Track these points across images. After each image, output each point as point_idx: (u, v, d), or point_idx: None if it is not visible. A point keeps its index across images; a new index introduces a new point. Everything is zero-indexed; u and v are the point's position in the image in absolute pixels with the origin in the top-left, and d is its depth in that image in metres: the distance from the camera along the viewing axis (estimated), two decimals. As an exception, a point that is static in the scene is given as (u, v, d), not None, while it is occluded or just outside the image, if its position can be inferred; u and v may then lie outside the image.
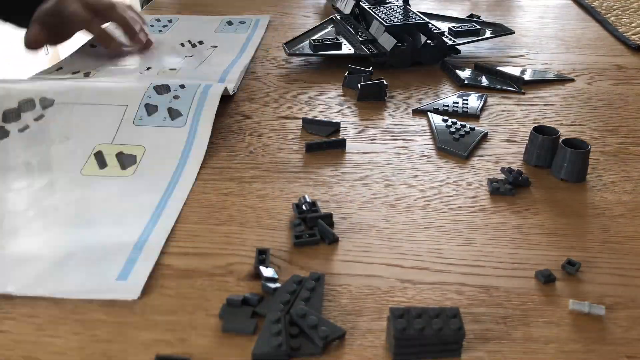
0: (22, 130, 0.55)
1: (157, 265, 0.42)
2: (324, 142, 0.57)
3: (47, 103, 0.58)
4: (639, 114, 0.65)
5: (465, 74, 0.73)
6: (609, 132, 0.61)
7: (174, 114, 0.57)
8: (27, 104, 0.57)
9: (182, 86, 0.60)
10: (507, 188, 0.50)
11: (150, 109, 0.58)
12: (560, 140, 0.52)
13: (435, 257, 0.43)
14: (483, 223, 0.47)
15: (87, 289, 0.39)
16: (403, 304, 0.39)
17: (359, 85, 0.67)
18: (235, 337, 0.36)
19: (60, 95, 0.58)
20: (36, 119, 0.56)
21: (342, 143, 0.57)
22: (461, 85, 0.71)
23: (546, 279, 0.41)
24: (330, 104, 0.66)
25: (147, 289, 0.40)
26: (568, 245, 0.45)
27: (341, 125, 0.61)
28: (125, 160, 0.53)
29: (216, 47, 0.81)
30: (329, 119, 0.62)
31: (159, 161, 0.53)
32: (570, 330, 0.37)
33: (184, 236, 0.45)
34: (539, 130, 0.54)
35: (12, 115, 0.56)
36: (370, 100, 0.67)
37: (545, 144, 0.53)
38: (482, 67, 0.75)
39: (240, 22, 0.91)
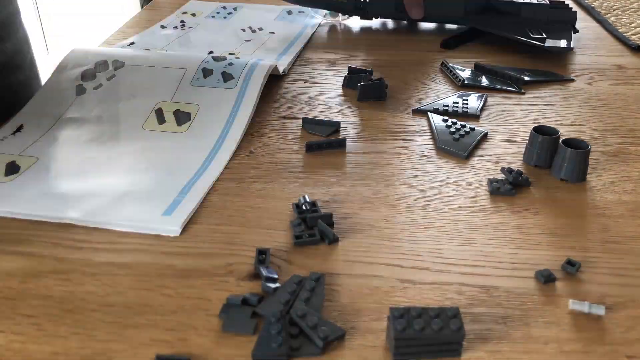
0: (96, 88, 0.63)
1: (157, 264, 0.42)
2: (324, 142, 0.57)
3: (118, 65, 0.65)
4: (639, 114, 0.65)
5: (465, 74, 0.73)
6: (609, 132, 0.61)
7: (226, 77, 0.64)
8: (101, 65, 0.65)
9: (238, 58, 0.67)
10: (507, 188, 0.50)
11: (207, 72, 0.64)
12: (560, 140, 0.52)
13: (435, 257, 0.43)
14: (483, 223, 0.47)
15: (138, 220, 0.46)
16: (403, 304, 0.39)
17: (359, 85, 0.67)
18: (235, 337, 0.36)
19: (130, 58, 0.66)
20: (108, 79, 0.64)
21: (342, 143, 0.57)
22: (461, 85, 0.71)
23: (546, 279, 0.41)
24: (330, 104, 0.66)
25: (146, 289, 0.40)
26: (568, 245, 0.45)
27: (341, 125, 0.61)
28: (181, 117, 0.60)
29: (274, 33, 0.86)
30: (329, 119, 0.62)
31: (210, 120, 0.60)
32: (570, 330, 0.37)
33: (184, 236, 0.45)
34: (539, 130, 0.54)
35: (89, 75, 0.64)
36: (370, 100, 0.67)
37: (545, 144, 0.53)
38: (482, 67, 0.75)
39: (299, 12, 0.96)
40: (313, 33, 0.88)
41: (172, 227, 0.45)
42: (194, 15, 0.94)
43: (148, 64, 0.65)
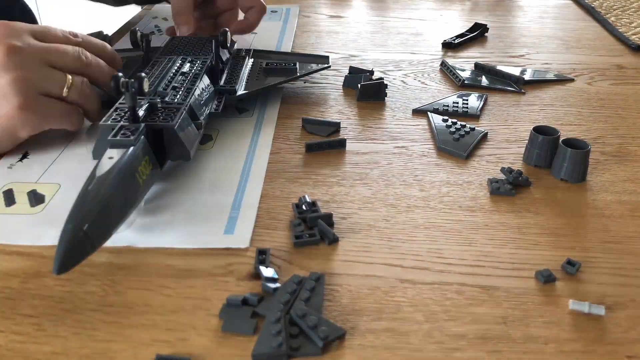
0: None
1: (157, 264, 0.42)
2: (324, 142, 0.57)
3: None
4: (639, 114, 0.65)
5: (465, 74, 0.73)
6: (609, 132, 0.61)
7: (241, 110, 0.63)
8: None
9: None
10: (507, 188, 0.50)
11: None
12: (560, 140, 0.52)
13: (435, 257, 0.43)
14: (483, 223, 0.47)
15: (200, 241, 0.44)
16: (403, 304, 0.39)
17: (359, 85, 0.67)
18: (235, 337, 0.36)
19: None
20: None
21: (342, 143, 0.57)
22: (461, 85, 0.71)
23: (546, 279, 0.41)
24: (331, 104, 0.66)
25: (146, 289, 0.40)
26: (568, 245, 0.45)
27: (341, 125, 0.61)
28: (203, 139, 0.58)
29: (256, 33, 0.85)
30: (329, 119, 0.62)
31: (234, 137, 0.59)
32: (570, 330, 0.37)
33: (184, 236, 0.45)
34: (538, 130, 0.54)
35: None
36: (370, 100, 0.67)
37: (545, 144, 0.53)
38: (482, 67, 0.75)
39: (272, 11, 0.96)
40: (295, 30, 0.88)
41: (240, 243, 0.44)
42: (165, 19, 0.91)
43: None
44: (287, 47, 0.81)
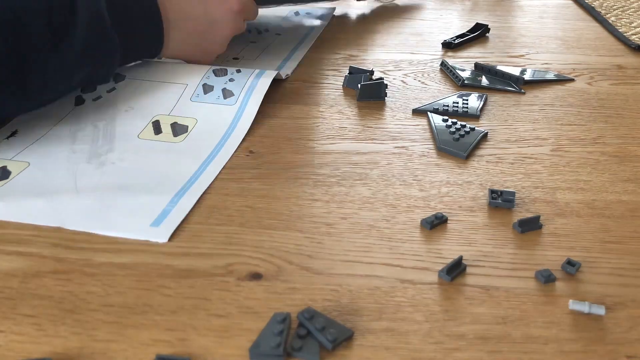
0: (95, 99, 0.63)
1: (157, 264, 0.42)
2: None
3: (119, 78, 0.65)
4: (639, 114, 0.65)
5: (465, 74, 0.73)
6: (609, 132, 0.61)
7: (227, 94, 0.63)
8: None
9: (239, 71, 0.66)
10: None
11: (207, 89, 0.64)
12: None
13: (435, 257, 0.43)
14: (483, 223, 0.47)
15: (125, 231, 0.45)
16: (403, 304, 0.39)
17: (359, 85, 0.67)
18: (236, 337, 0.36)
19: (130, 72, 0.66)
20: (108, 91, 0.64)
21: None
22: (461, 85, 0.71)
23: (546, 279, 0.41)
24: (330, 104, 0.66)
25: (146, 289, 0.40)
26: (568, 245, 0.45)
27: (341, 125, 0.61)
28: (178, 129, 0.59)
29: (280, 35, 0.85)
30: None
31: (207, 132, 0.59)
32: (570, 330, 0.37)
33: (184, 236, 0.45)
34: None
35: (89, 86, 0.64)
36: (370, 100, 0.67)
37: None
38: (482, 67, 0.75)
39: (307, 13, 0.96)
40: (319, 34, 0.87)
41: (159, 239, 0.45)
42: None
43: (149, 78, 0.65)
44: (304, 51, 0.80)
